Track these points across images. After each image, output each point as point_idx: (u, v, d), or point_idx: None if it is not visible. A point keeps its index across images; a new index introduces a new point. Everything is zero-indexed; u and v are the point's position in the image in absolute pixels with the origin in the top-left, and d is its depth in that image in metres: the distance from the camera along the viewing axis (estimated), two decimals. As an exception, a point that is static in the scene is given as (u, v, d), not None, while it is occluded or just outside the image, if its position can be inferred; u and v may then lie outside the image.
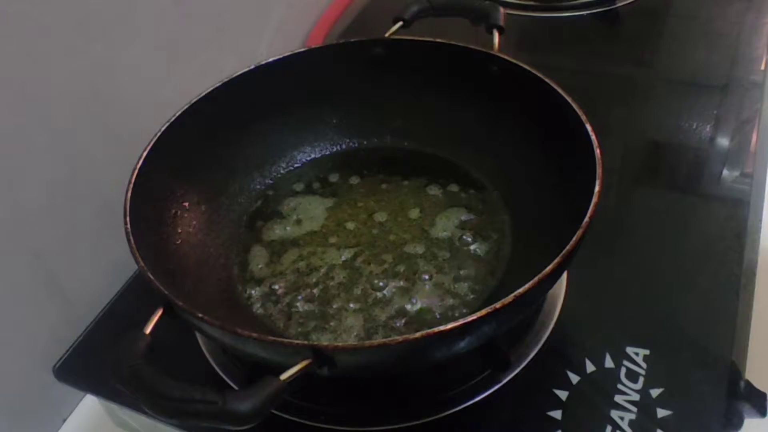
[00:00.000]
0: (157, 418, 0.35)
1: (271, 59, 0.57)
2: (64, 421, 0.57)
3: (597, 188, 0.42)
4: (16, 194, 0.50)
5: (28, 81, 0.50)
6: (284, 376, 0.34)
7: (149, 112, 0.53)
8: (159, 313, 0.39)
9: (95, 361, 0.51)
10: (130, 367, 0.34)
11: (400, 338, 0.35)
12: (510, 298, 0.36)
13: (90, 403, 0.57)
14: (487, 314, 0.36)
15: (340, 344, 0.36)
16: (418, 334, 0.35)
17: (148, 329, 0.38)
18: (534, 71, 0.52)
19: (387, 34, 0.59)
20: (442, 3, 0.62)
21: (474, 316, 0.36)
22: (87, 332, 0.54)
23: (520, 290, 0.37)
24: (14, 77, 0.48)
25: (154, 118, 0.50)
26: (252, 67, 0.56)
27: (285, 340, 0.37)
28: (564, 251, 0.39)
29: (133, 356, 0.35)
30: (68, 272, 0.56)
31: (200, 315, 0.37)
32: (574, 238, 0.39)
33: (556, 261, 0.38)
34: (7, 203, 0.50)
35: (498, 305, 0.36)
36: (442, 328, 0.35)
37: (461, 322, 0.35)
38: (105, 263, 0.59)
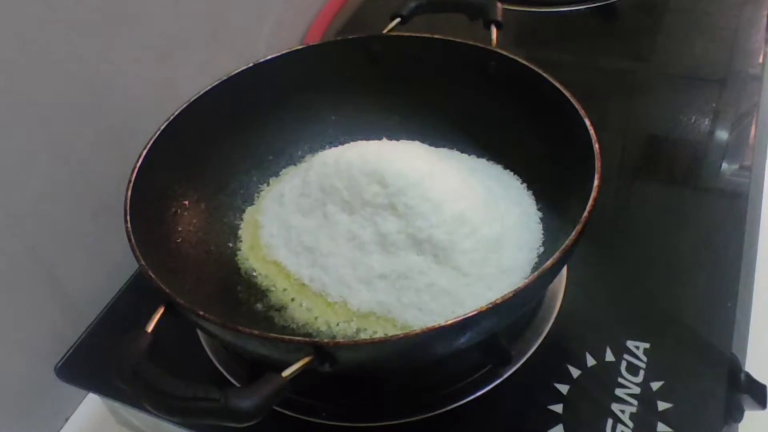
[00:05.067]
0: (159, 416, 0.35)
1: (269, 57, 0.57)
2: (67, 420, 0.57)
3: (596, 183, 0.42)
4: (17, 194, 0.50)
5: (28, 81, 0.50)
6: (286, 373, 0.34)
7: (149, 112, 0.53)
8: (160, 311, 0.39)
9: (97, 360, 0.51)
10: (132, 366, 0.34)
11: (401, 334, 0.35)
12: (510, 293, 0.36)
13: (92, 402, 0.57)
14: (487, 309, 0.36)
15: (341, 341, 0.36)
16: (418, 330, 0.35)
17: (150, 327, 0.38)
18: (532, 66, 0.52)
19: (384, 31, 0.59)
20: (439, -1, 0.62)
21: (474, 312, 0.36)
22: (88, 331, 0.54)
23: (520, 285, 0.37)
24: (14, 77, 0.48)
25: (154, 117, 0.50)
26: (250, 65, 0.56)
27: (286, 337, 0.36)
28: (563, 246, 0.39)
29: (135, 354, 0.35)
30: (69, 271, 0.56)
31: (201, 313, 0.37)
32: (573, 233, 0.39)
33: (555, 256, 0.38)
34: (7, 203, 0.50)
35: (498, 300, 0.36)
36: (442, 323, 0.35)
37: (461, 317, 0.35)
38: (106, 262, 0.59)
